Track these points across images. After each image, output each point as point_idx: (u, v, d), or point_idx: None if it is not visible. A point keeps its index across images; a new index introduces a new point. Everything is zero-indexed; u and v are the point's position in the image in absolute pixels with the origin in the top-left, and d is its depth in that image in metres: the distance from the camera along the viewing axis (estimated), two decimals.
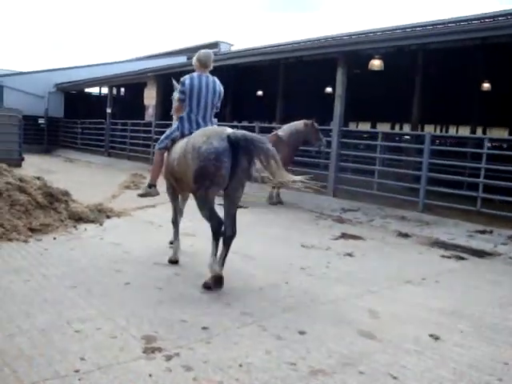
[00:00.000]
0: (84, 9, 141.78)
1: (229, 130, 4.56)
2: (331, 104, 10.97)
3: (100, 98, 28.33)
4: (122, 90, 28.43)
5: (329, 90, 20.03)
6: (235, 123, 17.65)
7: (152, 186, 5.49)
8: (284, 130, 10.29)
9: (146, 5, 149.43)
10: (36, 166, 14.92)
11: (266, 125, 16.20)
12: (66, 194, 7.26)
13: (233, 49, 27.10)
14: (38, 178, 7.15)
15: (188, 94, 5.03)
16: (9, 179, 6.43)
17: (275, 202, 10.27)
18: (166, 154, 5.27)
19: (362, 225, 8.70)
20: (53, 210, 6.60)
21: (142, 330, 3.46)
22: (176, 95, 5.54)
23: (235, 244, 6.15)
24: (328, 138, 10.72)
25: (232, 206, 4.81)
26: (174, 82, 5.85)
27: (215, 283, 4.50)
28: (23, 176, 6.89)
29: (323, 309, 4.25)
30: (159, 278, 4.72)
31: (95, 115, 21.66)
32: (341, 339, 3.58)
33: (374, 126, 24.91)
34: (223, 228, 4.66)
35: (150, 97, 16.38)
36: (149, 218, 7.76)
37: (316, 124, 10.15)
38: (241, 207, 9.62)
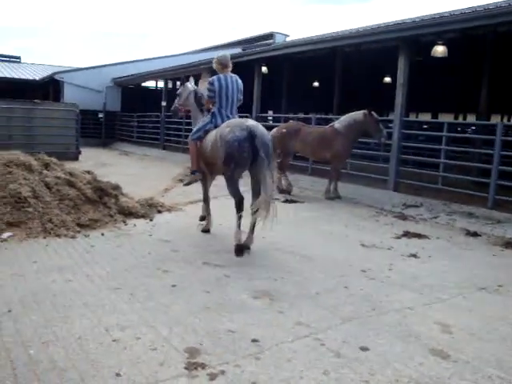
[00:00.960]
0: (141, 5, 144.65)
1: (249, 122, 5.49)
2: (388, 94, 10.34)
3: (156, 91, 28.59)
4: (178, 83, 28.54)
5: (387, 79, 19.26)
6: (291, 115, 17.19)
7: (194, 171, 6.25)
8: (341, 121, 9.77)
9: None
10: (92, 160, 15.09)
11: (323, 116, 15.64)
12: (117, 188, 7.10)
13: (288, 39, 26.59)
14: (88, 172, 7.01)
15: (217, 92, 5.84)
16: (58, 173, 6.31)
17: (333, 196, 9.79)
18: (198, 143, 6.06)
19: (425, 222, 8.10)
20: (102, 204, 6.43)
21: (185, 341, 3.13)
22: (184, 93, 7.02)
23: (291, 243, 5.80)
24: (389, 130, 10.11)
25: (256, 184, 5.54)
26: (188, 84, 7.06)
27: (237, 251, 5.33)
28: (73, 170, 6.77)
29: (387, 320, 3.79)
30: (208, 279, 4.40)
31: (151, 109, 21.79)
32: (409, 359, 3.12)
33: (434, 117, 23.76)
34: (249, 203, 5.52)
35: (204, 88, 16.15)
36: (200, 213, 7.47)
37: (375, 114, 9.55)
38: (296, 202, 9.29)
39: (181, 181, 11.09)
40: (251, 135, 5.26)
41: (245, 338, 3.26)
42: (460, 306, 4.18)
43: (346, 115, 9.82)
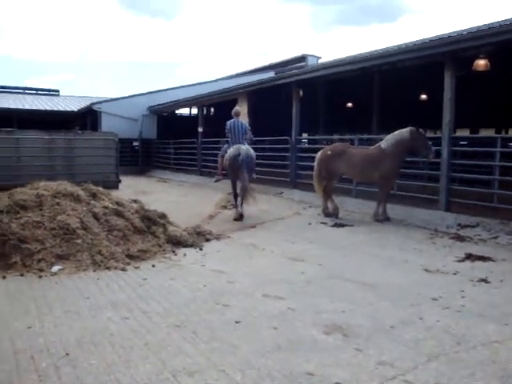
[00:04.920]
0: (175, 32, 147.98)
1: (242, 148, 9.35)
2: (427, 111, 9.94)
3: (190, 118, 28.78)
4: (212, 109, 28.69)
5: (424, 96, 18.86)
6: (327, 136, 16.93)
7: (219, 176, 10.86)
8: (387, 140, 9.39)
9: (234, 24, 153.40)
10: (132, 188, 15.06)
11: (366, 136, 15.25)
12: (164, 216, 6.89)
13: (320, 61, 26.46)
14: (135, 201, 6.84)
15: (230, 131, 9.77)
16: (106, 203, 6.14)
17: (381, 218, 9.36)
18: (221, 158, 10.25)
19: (485, 243, 7.60)
20: (151, 234, 6.22)
21: None
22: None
23: (349, 270, 5.48)
24: (436, 147, 9.68)
25: (242, 184, 9.31)
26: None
27: (238, 217, 9.17)
28: (120, 199, 6.59)
29: (477, 356, 3.38)
30: (272, 313, 4.07)
31: (186, 135, 21.82)
32: None
33: (473, 133, 23.06)
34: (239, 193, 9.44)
35: (242, 113, 16.04)
36: (250, 241, 7.20)
37: (422, 131, 9.15)
38: (346, 225, 8.92)
39: (224, 207, 10.89)
40: (238, 153, 9.22)
41: (326, 381, 2.91)
42: None
43: (392, 134, 9.44)
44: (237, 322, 3.83)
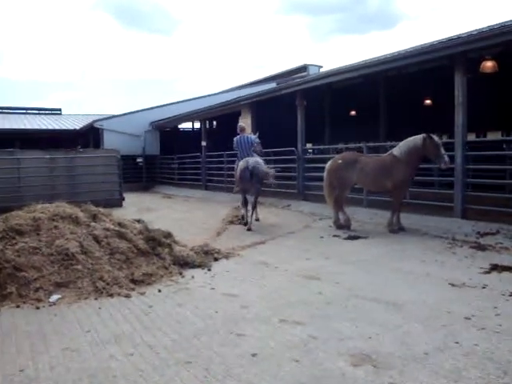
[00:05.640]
0: (172, 45, 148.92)
1: (250, 160, 9.74)
2: (436, 116, 9.56)
3: (193, 132, 28.53)
4: (214, 123, 28.43)
5: (428, 101, 18.50)
6: (333, 145, 16.56)
7: (237, 188, 10.78)
8: (400, 147, 9.00)
9: (236, 34, 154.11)
10: (136, 205, 14.72)
11: (374, 144, 14.82)
12: (169, 235, 6.53)
13: (321, 70, 26.20)
14: (138, 221, 6.47)
15: (237, 146, 10.43)
16: (107, 225, 5.75)
17: (396, 229, 8.95)
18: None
19: (509, 251, 7.19)
20: (155, 255, 5.83)
21: None
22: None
23: (370, 287, 5.14)
24: (450, 153, 9.28)
25: (254, 195, 9.96)
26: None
27: (248, 229, 9.51)
28: (122, 220, 6.21)
29: None
30: (292, 343, 3.67)
31: (189, 150, 21.52)
32: None
33: (479, 136, 22.60)
34: (249, 201, 9.99)
35: (246, 125, 15.73)
36: (261, 258, 6.81)
37: (436, 137, 8.73)
38: (360, 237, 8.50)
39: (231, 223, 10.52)
40: (246, 166, 9.62)
41: None
42: None
43: (405, 141, 9.05)
44: (253, 355, 3.43)
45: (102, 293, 4.87)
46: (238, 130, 10.75)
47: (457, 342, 3.70)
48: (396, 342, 3.71)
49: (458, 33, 13.10)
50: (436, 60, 10.81)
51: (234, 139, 10.55)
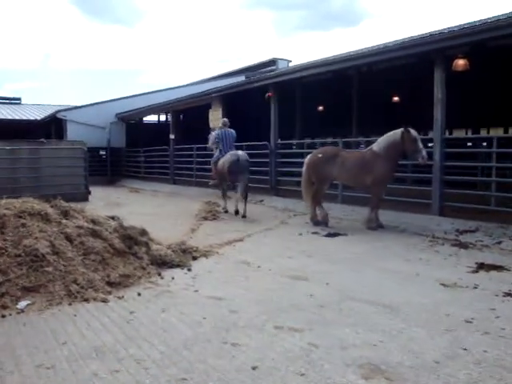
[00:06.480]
0: (143, 35, 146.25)
1: (239, 153, 10.36)
2: (408, 112, 9.41)
3: (160, 125, 27.87)
4: (181, 116, 27.87)
5: (395, 98, 18.51)
6: (306, 140, 16.36)
7: (214, 181, 11.57)
8: (379, 143, 8.82)
9: (200, 28, 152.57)
10: (103, 200, 14.16)
11: (353, 139, 14.66)
12: (145, 233, 6.12)
13: (290, 65, 25.99)
14: (113, 218, 6.02)
15: (221, 139, 10.82)
16: (80, 222, 5.30)
17: (374, 226, 8.77)
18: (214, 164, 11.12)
19: (490, 249, 7.16)
20: (132, 255, 5.42)
21: None
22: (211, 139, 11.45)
23: (361, 288, 4.93)
24: (429, 149, 9.16)
25: (242, 186, 10.20)
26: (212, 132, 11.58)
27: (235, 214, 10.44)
28: (96, 217, 5.75)
29: None
30: (293, 353, 3.34)
31: (156, 143, 20.95)
32: None
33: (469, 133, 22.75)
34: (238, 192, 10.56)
35: (216, 118, 15.33)
36: (241, 257, 6.48)
37: (413, 131, 8.49)
38: (339, 235, 8.28)
39: (204, 218, 10.16)
40: (237, 159, 10.06)
41: None
42: None
43: (384, 136, 8.86)
44: (254, 369, 3.09)
45: (76, 297, 4.44)
46: (222, 124, 11.15)
47: (465, 349, 3.48)
48: (402, 349, 3.46)
49: (422, 32, 13.05)
50: (417, 55, 10.69)
51: (217, 133, 11.01)
